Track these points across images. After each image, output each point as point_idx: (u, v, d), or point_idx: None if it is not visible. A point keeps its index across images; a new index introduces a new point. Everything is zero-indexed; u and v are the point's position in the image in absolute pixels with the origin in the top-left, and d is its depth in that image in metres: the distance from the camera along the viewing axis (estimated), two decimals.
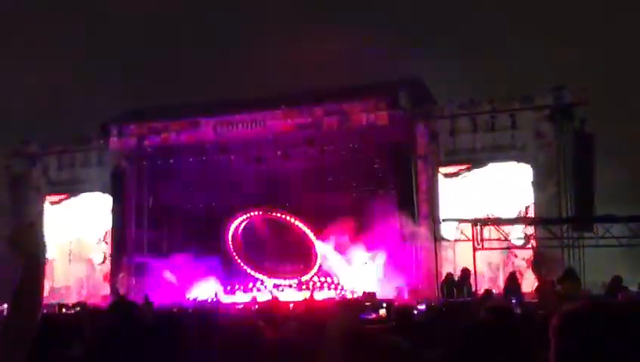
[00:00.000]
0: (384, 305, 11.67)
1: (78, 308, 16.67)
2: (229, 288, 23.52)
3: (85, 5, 27.73)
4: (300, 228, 23.66)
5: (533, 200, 21.71)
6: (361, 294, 20.36)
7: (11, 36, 27.78)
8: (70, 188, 26.48)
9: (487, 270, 21.55)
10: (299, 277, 23.48)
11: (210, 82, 25.24)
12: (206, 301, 22.10)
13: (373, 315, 11.50)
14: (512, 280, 19.02)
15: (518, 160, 22.00)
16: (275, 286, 23.37)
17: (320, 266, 23.37)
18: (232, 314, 14.29)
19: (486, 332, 7.40)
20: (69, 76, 26.81)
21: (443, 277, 19.63)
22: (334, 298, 20.84)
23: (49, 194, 26.82)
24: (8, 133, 27.45)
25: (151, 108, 25.79)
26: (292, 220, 23.76)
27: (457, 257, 21.50)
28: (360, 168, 22.79)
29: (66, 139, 26.56)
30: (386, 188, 22.02)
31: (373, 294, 19.03)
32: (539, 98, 21.72)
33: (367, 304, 13.82)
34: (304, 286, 22.87)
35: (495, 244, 20.35)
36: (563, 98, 21.21)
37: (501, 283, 19.83)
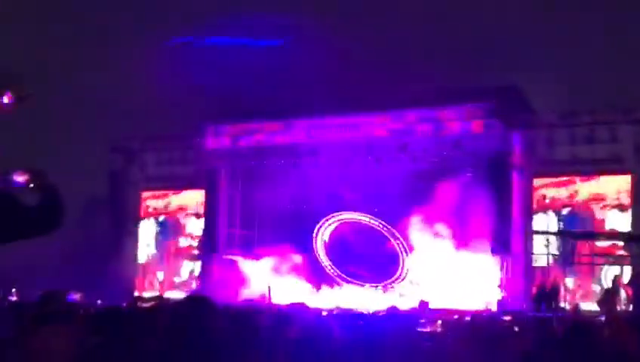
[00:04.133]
0: (439, 322, 11.25)
1: (153, 302, 17.03)
2: (314, 290, 23.58)
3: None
4: (389, 235, 23.53)
5: (631, 218, 20.98)
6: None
7: (117, 32, 28.55)
8: (166, 184, 27.13)
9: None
10: (384, 283, 23.34)
11: (304, 82, 25.33)
12: (291, 303, 22.16)
13: (428, 328, 11.15)
14: (607, 297, 18.49)
15: (617, 173, 21.32)
16: (360, 289, 23.31)
17: (406, 274, 23.19)
18: (308, 317, 14.29)
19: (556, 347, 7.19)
20: (170, 71, 27.35)
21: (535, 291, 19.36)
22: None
23: (145, 190, 27.55)
24: (110, 128, 28.23)
25: (246, 107, 26.10)
26: (381, 226, 23.65)
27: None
28: (453, 177, 22.45)
29: (163, 136, 27.23)
30: (480, 198, 21.62)
31: (426, 304, 18.71)
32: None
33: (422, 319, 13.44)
34: (388, 293, 22.70)
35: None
36: None
37: None
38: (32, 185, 4.19)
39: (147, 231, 27.51)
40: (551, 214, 22.05)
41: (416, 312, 19.79)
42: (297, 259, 23.86)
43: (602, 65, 22.17)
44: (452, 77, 23.14)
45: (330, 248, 24.63)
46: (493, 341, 6.47)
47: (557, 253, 21.19)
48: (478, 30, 23.53)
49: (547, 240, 21.05)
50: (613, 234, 20.76)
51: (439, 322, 10.78)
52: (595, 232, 20.96)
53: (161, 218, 27.39)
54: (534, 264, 21.77)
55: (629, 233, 20.72)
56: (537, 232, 21.46)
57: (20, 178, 4.18)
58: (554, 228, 21.74)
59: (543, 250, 21.41)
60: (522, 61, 22.84)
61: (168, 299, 20.17)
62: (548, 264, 21.40)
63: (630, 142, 21.03)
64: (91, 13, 27.93)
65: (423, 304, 20.37)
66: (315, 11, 25.54)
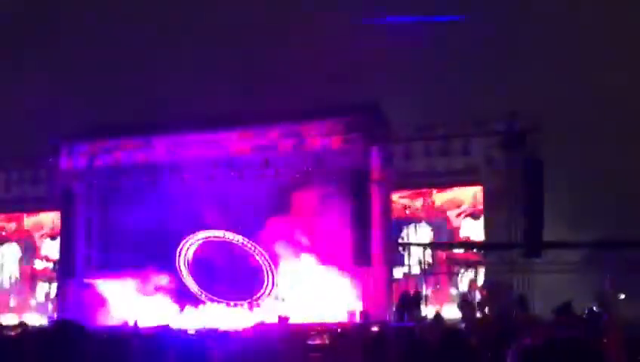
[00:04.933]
0: (325, 335, 11.34)
1: (19, 329, 16.24)
2: (179, 310, 23.24)
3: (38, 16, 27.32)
4: (252, 251, 23.51)
5: (483, 226, 21.93)
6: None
7: None
8: (18, 206, 26.00)
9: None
10: (250, 300, 23.28)
11: (163, 100, 25.01)
12: (155, 324, 21.80)
13: (318, 341, 11.24)
14: (465, 301, 19.27)
15: (471, 184, 22.26)
16: (226, 307, 23.18)
17: (271, 290, 23.25)
18: (182, 338, 14.08)
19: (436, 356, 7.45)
20: (19, 89, 26.33)
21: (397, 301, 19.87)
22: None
23: None
24: None
25: (103, 126, 25.43)
26: (245, 242, 23.61)
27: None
28: (315, 192, 22.75)
29: (14, 157, 26.00)
30: (341, 212, 22.04)
31: (286, 319, 18.88)
32: (491, 124, 21.99)
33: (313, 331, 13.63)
34: (254, 309, 22.72)
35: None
36: (515, 125, 21.50)
37: None
38: None
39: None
40: (410, 225, 22.73)
41: (277, 328, 19.94)
42: (160, 279, 23.45)
43: (455, 79, 23.10)
44: (312, 93, 23.49)
45: (193, 267, 24.32)
46: (376, 351, 6.61)
47: (417, 262, 21.89)
48: (337, 46, 24.02)
49: (406, 250, 21.74)
50: (468, 244, 21.67)
51: (326, 335, 10.85)
52: (452, 242, 21.82)
53: (14, 241, 26.24)
54: (395, 274, 22.35)
55: (482, 242, 21.68)
56: (397, 244, 22.10)
57: None
58: (413, 238, 22.44)
59: (404, 261, 22.08)
60: (379, 77, 23.47)
61: (33, 325, 19.34)
62: (408, 274, 22.08)
63: (482, 154, 21.98)
64: None
65: (283, 319, 20.55)
66: None
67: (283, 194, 22.62)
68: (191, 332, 18.05)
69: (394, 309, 20.36)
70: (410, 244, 21.98)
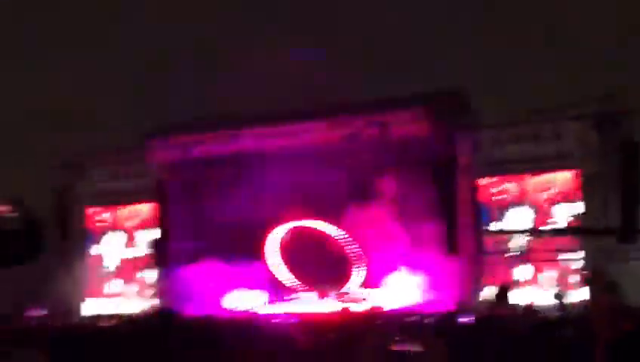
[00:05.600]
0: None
1: (115, 320, 16.70)
2: (269, 299, 23.52)
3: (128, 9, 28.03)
4: (340, 240, 23.55)
5: (578, 212, 21.32)
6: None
7: (59, 37, 28.08)
8: (114, 199, 26.78)
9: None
10: (339, 289, 23.34)
11: (252, 93, 25.34)
12: (246, 311, 22.11)
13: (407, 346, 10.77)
14: (561, 295, 18.81)
15: (563, 169, 21.66)
16: (315, 297, 23.30)
17: (360, 279, 23.24)
18: (272, 326, 14.25)
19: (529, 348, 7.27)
20: (113, 84, 27.08)
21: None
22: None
23: (92, 206, 27.16)
24: (55, 142, 27.71)
25: (193, 120, 26.00)
26: (332, 232, 23.66)
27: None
28: (402, 181, 22.58)
29: (110, 150, 26.82)
30: (427, 200, 21.82)
31: (379, 309, 18.62)
32: (584, 107, 21.29)
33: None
34: (344, 298, 22.73)
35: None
36: (609, 106, 20.80)
37: None
38: (11, 215, 4.10)
39: (99, 246, 27.22)
40: (501, 212, 22.29)
41: (371, 317, 19.89)
42: (251, 269, 23.75)
43: (544, 63, 22.58)
44: (397, 81, 23.35)
45: (283, 256, 24.53)
46: (472, 343, 6.51)
47: (509, 250, 21.47)
48: (422, 33, 23.80)
49: (499, 238, 21.33)
50: (562, 230, 21.09)
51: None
52: (546, 229, 21.27)
53: (112, 231, 27.08)
54: (487, 263, 21.97)
55: (576, 227, 21.07)
56: (488, 231, 21.71)
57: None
58: (505, 226, 21.99)
59: (496, 249, 21.67)
60: (466, 62, 23.16)
61: (129, 314, 19.99)
62: (501, 262, 21.65)
63: (574, 138, 21.35)
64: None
65: (376, 309, 20.50)
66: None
67: (369, 184, 22.54)
68: (278, 319, 18.26)
69: (484, 299, 20.03)
70: (503, 232, 21.56)
